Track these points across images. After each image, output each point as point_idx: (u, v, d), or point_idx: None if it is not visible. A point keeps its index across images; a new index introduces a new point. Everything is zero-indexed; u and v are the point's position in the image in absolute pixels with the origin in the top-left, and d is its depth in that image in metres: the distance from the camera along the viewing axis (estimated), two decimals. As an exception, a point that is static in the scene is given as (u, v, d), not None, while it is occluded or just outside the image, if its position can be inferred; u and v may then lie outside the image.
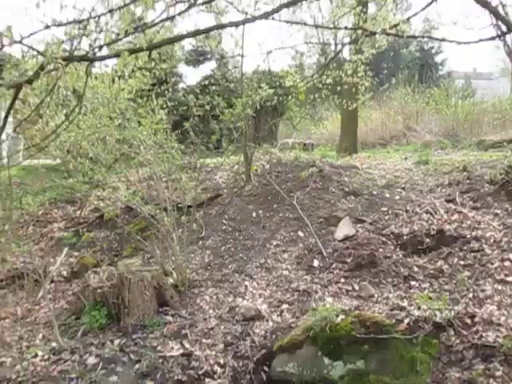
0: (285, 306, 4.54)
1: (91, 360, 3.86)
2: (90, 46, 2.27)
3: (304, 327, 3.87)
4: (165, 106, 6.86)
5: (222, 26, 3.29)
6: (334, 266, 5.18)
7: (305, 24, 9.44)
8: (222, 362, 3.85)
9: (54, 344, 4.30)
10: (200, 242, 6.02)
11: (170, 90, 8.06)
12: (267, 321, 4.35)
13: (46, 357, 4.08)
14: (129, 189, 6.73)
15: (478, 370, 3.40)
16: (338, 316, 3.88)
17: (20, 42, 2.02)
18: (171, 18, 2.77)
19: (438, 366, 3.57)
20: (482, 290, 4.27)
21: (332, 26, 7.21)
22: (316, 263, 5.29)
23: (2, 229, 7.01)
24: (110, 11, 2.23)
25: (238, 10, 4.39)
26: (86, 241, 6.89)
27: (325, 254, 5.40)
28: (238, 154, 8.59)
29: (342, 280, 4.89)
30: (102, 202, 7.69)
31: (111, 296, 4.55)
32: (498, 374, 3.32)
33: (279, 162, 7.86)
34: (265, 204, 6.73)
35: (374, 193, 6.82)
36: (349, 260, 5.23)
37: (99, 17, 2.53)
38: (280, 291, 4.83)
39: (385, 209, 6.32)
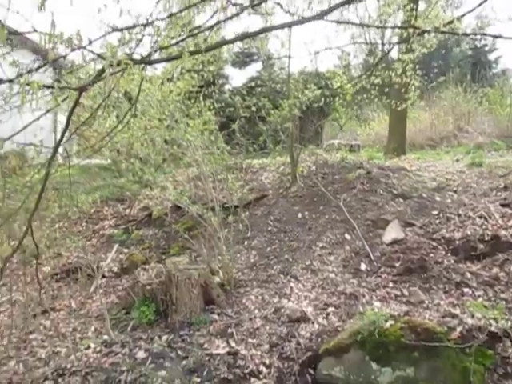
0: (331, 309, 4.49)
1: (140, 354, 3.98)
2: (152, 47, 2.34)
3: (351, 331, 3.81)
4: (212, 107, 6.98)
5: (271, 29, 3.30)
6: (381, 270, 5.07)
7: (352, 23, 9.30)
8: (267, 362, 3.85)
9: (105, 337, 4.47)
10: (246, 242, 6.06)
11: (217, 91, 8.17)
12: (313, 323, 4.31)
13: (97, 349, 4.24)
14: (176, 188, 6.88)
15: (537, 385, 3.22)
16: (386, 321, 3.79)
17: (84, 47, 2.11)
18: (223, 21, 2.80)
19: (493, 378, 3.41)
20: (542, 300, 4.05)
21: (381, 24, 7.08)
22: (363, 267, 5.20)
23: (59, 225, 7.37)
24: (170, 16, 2.28)
25: (286, 12, 4.39)
26: (135, 238, 7.10)
27: (372, 258, 5.29)
28: (284, 154, 8.60)
29: (391, 284, 4.77)
30: (150, 201, 7.91)
31: (159, 293, 4.67)
32: (560, 389, 3.13)
33: (325, 164, 7.78)
34: (311, 205, 6.69)
35: (424, 195, 6.61)
36: (397, 264, 5.10)
37: (151, 23, 2.60)
38: (326, 294, 4.78)
39: (435, 212, 6.12)
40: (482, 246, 5.15)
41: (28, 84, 1.93)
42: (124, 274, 6.13)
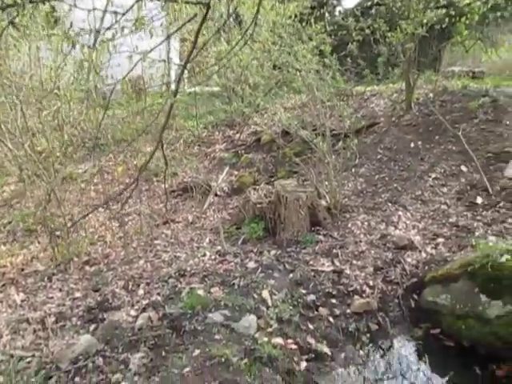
0: (440, 240, 4.39)
1: (251, 264, 4.32)
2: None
3: (462, 262, 3.71)
4: (324, 30, 6.70)
5: None
6: (500, 204, 4.76)
7: None
8: (371, 283, 3.96)
9: (218, 247, 4.90)
10: (353, 170, 6.03)
11: (329, 13, 7.78)
12: (420, 252, 4.28)
13: (212, 257, 4.69)
14: (285, 114, 6.93)
15: None
16: (502, 255, 3.61)
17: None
18: None
19: None
20: None
21: None
22: (479, 200, 4.91)
23: (175, 147, 7.94)
24: None
25: None
26: (245, 162, 7.41)
27: (491, 192, 4.96)
28: (397, 81, 8.11)
29: (510, 220, 4.48)
30: (259, 127, 8.10)
31: (269, 211, 4.93)
32: None
33: (444, 91, 7.20)
34: (425, 135, 6.34)
35: (560, 128, 5.89)
36: (519, 200, 4.74)
37: None
38: (436, 224, 4.65)
39: None
40: None
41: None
42: (234, 193, 6.52)
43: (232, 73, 8.13)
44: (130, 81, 8.19)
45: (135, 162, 7.62)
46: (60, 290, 4.44)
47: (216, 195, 6.52)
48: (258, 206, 5.00)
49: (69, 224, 5.13)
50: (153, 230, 5.69)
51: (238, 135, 8.44)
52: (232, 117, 8.73)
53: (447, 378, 3.15)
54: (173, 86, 6.62)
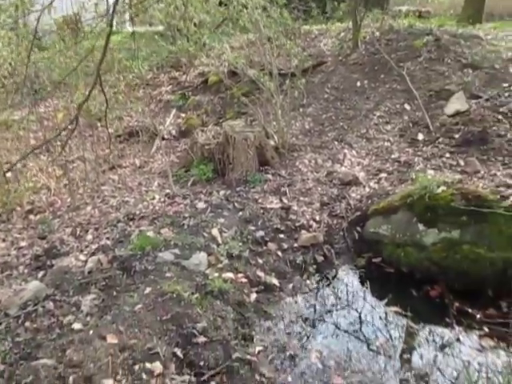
0: (383, 175, 4.57)
1: (201, 205, 4.33)
2: None
3: (402, 194, 3.90)
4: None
5: None
6: (439, 140, 4.98)
7: None
8: (317, 218, 4.10)
9: (167, 190, 4.86)
10: (301, 109, 6.04)
11: None
12: (364, 187, 4.45)
13: (162, 200, 4.65)
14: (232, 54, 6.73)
15: None
16: (438, 187, 3.81)
17: None
18: None
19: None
20: None
21: None
22: (420, 137, 5.11)
23: (118, 89, 7.58)
24: None
25: None
26: (192, 104, 7.23)
27: (431, 129, 5.16)
28: (344, 20, 8.04)
29: (447, 155, 4.71)
30: (206, 68, 7.85)
31: (217, 152, 4.90)
32: None
33: (391, 30, 7.22)
34: (371, 74, 6.40)
35: (497, 67, 6.10)
36: (457, 136, 4.97)
37: None
38: (379, 161, 4.82)
39: (506, 85, 5.70)
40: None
41: None
42: (182, 136, 6.41)
43: (176, 10, 7.71)
44: (63, 17, 7.63)
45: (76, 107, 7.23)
46: (3, 241, 4.29)
47: (163, 139, 6.37)
48: (207, 147, 4.95)
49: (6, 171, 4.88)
50: (99, 176, 5.53)
51: (184, 76, 8.17)
52: (177, 57, 8.38)
53: (386, 300, 3.39)
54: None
